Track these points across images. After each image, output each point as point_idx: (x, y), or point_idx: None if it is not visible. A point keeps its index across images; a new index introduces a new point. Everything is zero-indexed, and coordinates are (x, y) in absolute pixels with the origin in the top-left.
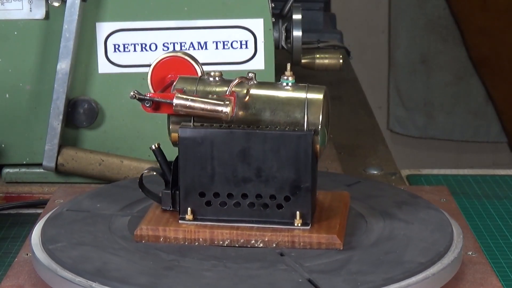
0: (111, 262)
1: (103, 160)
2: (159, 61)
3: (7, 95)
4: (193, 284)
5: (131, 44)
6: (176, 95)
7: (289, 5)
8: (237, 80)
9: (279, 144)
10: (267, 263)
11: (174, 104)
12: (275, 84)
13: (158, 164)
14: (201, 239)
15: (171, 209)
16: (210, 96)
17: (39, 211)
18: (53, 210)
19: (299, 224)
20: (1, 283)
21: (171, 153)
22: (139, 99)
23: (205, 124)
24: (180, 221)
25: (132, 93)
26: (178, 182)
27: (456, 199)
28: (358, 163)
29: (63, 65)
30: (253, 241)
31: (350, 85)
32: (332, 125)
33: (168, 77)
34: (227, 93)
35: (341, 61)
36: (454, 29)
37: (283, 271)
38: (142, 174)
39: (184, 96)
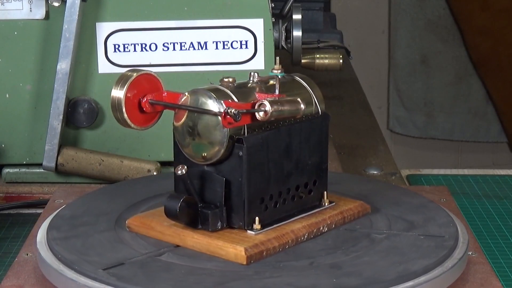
0: (293, 285)
1: (103, 160)
2: (132, 81)
3: (7, 95)
4: (380, 268)
5: (131, 44)
6: (268, 101)
7: (289, 5)
8: (278, 81)
9: (310, 132)
10: (368, 239)
11: (270, 112)
12: (273, 77)
13: (186, 187)
14: (290, 241)
15: (219, 227)
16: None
17: (39, 211)
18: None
19: (327, 204)
20: (1, 283)
21: (170, 151)
22: (237, 115)
23: (245, 129)
24: (250, 232)
25: (232, 111)
26: (231, 197)
27: (456, 199)
28: (358, 163)
29: (63, 65)
30: (321, 228)
31: (350, 85)
32: (332, 125)
33: (146, 95)
34: (276, 93)
35: (341, 61)
36: (454, 29)
37: (394, 237)
38: (179, 207)
39: (273, 101)
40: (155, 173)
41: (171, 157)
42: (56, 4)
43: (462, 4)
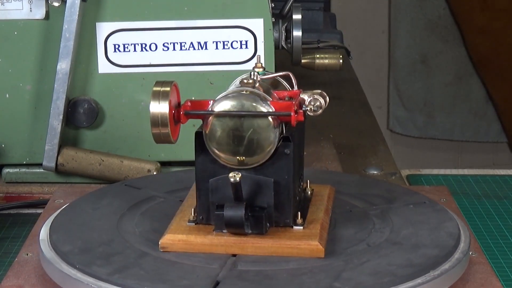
0: (393, 265)
1: (103, 160)
2: (170, 91)
3: (7, 95)
4: (431, 237)
5: (131, 44)
6: (314, 96)
7: (289, 5)
8: (294, 77)
9: (299, 125)
10: (375, 217)
11: (324, 106)
12: (269, 75)
13: (237, 193)
14: (327, 229)
15: (268, 228)
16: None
17: (39, 211)
18: None
19: (310, 192)
20: (1, 283)
21: (170, 152)
22: (308, 111)
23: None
24: (297, 228)
25: (311, 107)
26: (277, 197)
27: (456, 199)
28: (358, 163)
29: (63, 65)
30: (330, 213)
31: (350, 85)
32: (332, 125)
33: (181, 107)
34: (294, 89)
35: (341, 61)
36: (454, 29)
37: (390, 210)
38: (244, 216)
39: (321, 95)
40: (155, 173)
41: (171, 157)
42: (56, 4)
43: (462, 4)
